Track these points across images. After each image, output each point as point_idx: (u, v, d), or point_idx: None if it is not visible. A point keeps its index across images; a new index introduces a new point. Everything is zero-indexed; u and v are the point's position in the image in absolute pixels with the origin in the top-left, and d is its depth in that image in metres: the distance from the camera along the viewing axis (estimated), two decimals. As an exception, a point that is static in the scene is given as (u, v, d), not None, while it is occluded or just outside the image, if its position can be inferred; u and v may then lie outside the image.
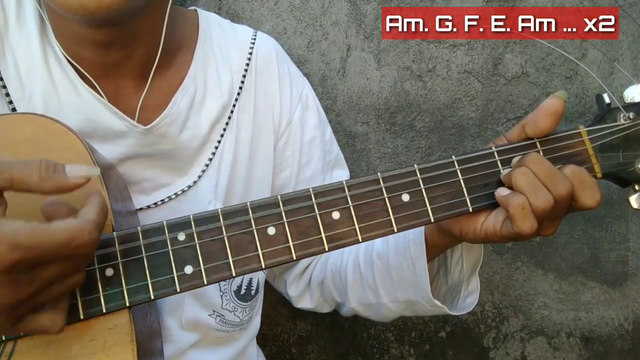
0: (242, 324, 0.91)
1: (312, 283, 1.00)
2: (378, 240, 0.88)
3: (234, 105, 0.87)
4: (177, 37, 0.83)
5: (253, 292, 0.91)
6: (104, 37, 0.72)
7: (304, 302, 1.02)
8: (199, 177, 0.84)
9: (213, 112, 0.85)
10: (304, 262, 0.99)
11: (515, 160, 0.69)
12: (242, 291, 0.90)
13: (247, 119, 0.89)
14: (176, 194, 0.82)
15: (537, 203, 0.63)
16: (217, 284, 0.87)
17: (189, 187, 0.83)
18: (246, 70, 0.89)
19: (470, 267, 0.82)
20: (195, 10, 0.91)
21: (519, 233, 0.64)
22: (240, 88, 0.88)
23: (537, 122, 0.69)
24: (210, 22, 0.90)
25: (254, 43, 0.92)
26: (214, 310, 0.87)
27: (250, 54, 0.90)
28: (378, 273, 0.87)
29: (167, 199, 0.82)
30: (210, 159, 0.85)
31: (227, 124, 0.86)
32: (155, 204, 0.81)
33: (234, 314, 0.89)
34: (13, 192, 0.52)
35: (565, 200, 0.65)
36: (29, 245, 0.47)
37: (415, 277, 0.81)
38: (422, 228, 0.79)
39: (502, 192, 0.67)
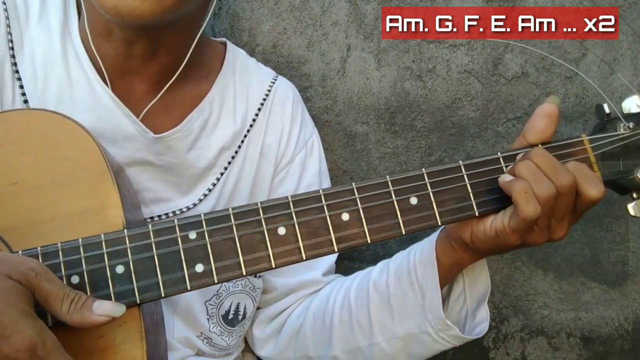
0: (229, 349, 0.92)
1: (284, 330, 0.95)
2: (374, 272, 0.87)
3: (245, 136, 0.89)
4: (200, 60, 0.85)
5: (240, 317, 0.91)
6: (130, 38, 0.74)
7: (266, 349, 0.97)
8: (200, 200, 0.85)
9: (223, 138, 0.86)
10: (279, 305, 0.96)
11: (519, 157, 0.70)
12: (230, 316, 0.90)
13: (255, 151, 0.90)
14: (174, 213, 0.83)
15: (539, 191, 0.64)
16: (205, 307, 0.88)
17: (189, 208, 0.84)
18: (262, 104, 0.91)
19: (476, 300, 0.81)
20: (225, 43, 0.93)
21: (524, 219, 0.64)
22: (254, 120, 0.90)
23: (534, 125, 0.71)
24: (236, 56, 0.93)
25: (273, 83, 0.94)
26: (201, 332, 0.88)
27: (269, 91, 0.92)
28: (374, 307, 0.84)
29: (164, 216, 0.82)
30: (214, 184, 0.86)
31: (236, 152, 0.88)
32: (152, 218, 0.81)
33: (221, 338, 0.90)
34: (14, 194, 0.56)
35: (568, 191, 0.65)
36: (42, 357, 0.49)
37: (422, 301, 0.79)
38: (432, 247, 0.78)
39: (505, 178, 0.68)
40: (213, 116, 0.86)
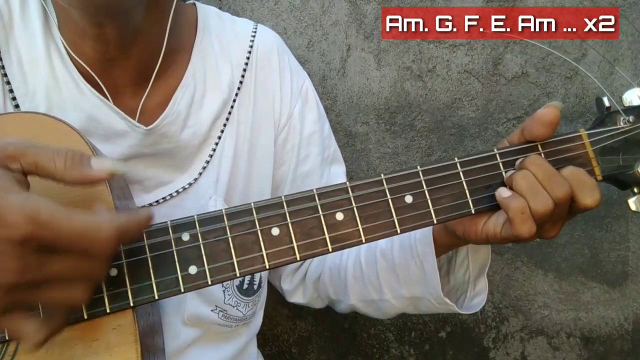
0: (245, 319, 0.90)
1: (307, 279, 0.99)
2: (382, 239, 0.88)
3: (234, 101, 0.86)
4: (177, 37, 0.82)
5: (256, 287, 0.90)
6: (101, 33, 0.70)
7: (297, 297, 1.02)
8: (200, 174, 0.83)
9: (213, 109, 0.84)
10: None
11: (518, 162, 0.69)
12: (245, 286, 0.89)
13: (247, 113, 0.88)
14: (177, 192, 0.81)
15: (536, 207, 0.64)
16: None
17: (190, 184, 0.82)
18: (246, 64, 0.88)
19: (477, 269, 0.82)
20: (194, 4, 0.89)
21: (517, 236, 0.65)
22: (241, 82, 0.87)
23: (533, 129, 0.69)
24: (209, 16, 0.89)
25: (254, 36, 0.90)
26: (216, 306, 0.86)
27: (251, 47, 0.89)
28: (382, 271, 0.87)
29: (168, 197, 0.81)
30: (211, 155, 0.84)
31: (227, 119, 0.86)
32: (157, 201, 0.80)
33: (237, 309, 0.88)
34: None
35: (563, 202, 0.65)
36: (45, 222, 0.45)
37: (424, 274, 0.81)
38: (429, 228, 0.79)
39: (502, 193, 0.67)
40: (198, 89, 0.83)
